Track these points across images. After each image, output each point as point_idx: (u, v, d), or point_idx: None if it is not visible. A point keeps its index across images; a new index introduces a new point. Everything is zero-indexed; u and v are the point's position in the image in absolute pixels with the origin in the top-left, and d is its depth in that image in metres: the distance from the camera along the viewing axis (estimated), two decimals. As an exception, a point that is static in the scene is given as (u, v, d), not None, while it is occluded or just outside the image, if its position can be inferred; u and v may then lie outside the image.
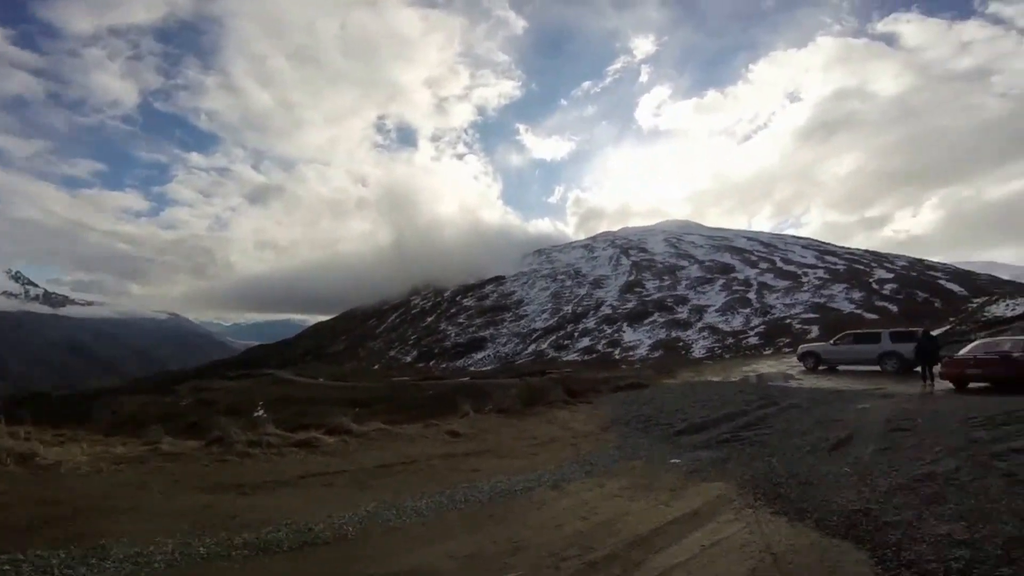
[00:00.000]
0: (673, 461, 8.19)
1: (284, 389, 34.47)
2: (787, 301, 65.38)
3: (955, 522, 4.55)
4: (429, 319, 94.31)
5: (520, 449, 9.58)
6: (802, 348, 23.69)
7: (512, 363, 62.60)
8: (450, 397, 16.20)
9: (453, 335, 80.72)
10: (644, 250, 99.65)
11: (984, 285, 64.30)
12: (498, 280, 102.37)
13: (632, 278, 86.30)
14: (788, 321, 58.80)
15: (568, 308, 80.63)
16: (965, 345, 16.25)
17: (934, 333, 20.26)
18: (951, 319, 46.48)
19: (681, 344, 60.32)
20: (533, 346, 70.34)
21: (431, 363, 70.73)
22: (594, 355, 61.76)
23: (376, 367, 70.28)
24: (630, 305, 75.04)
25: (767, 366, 25.42)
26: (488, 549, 5.05)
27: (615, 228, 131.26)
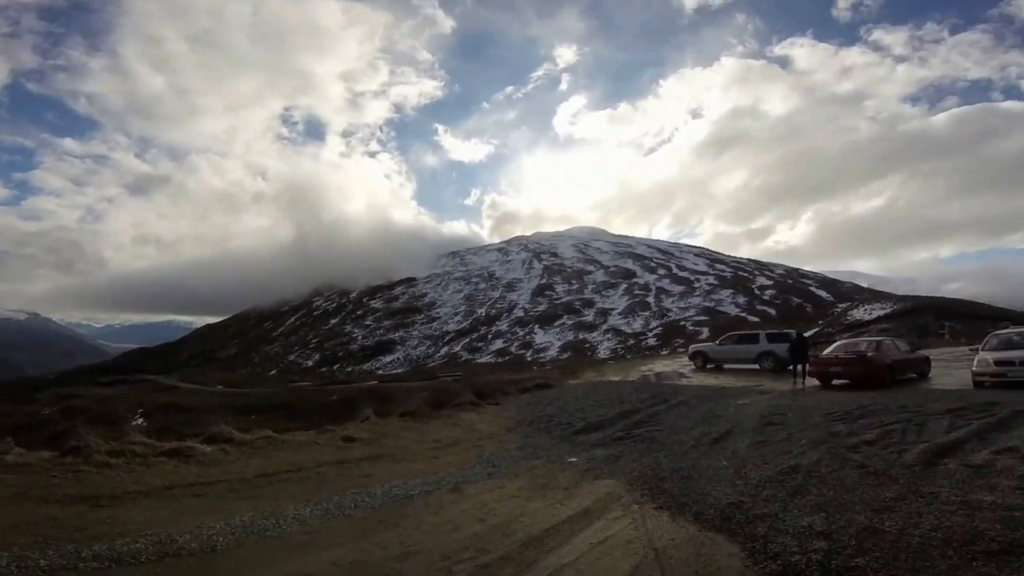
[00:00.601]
0: (570, 460, 8.43)
1: (168, 396, 31.69)
2: (682, 305, 69.71)
3: (816, 513, 4.92)
4: (333, 321, 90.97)
5: (421, 453, 9.47)
6: (692, 348, 25.26)
7: (424, 366, 61.80)
8: (354, 402, 15.73)
9: (360, 338, 78.41)
10: (555, 255, 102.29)
11: (847, 292, 72.03)
12: (409, 281, 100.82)
13: (544, 282, 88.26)
14: (682, 323, 62.66)
15: (482, 310, 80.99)
16: (830, 345, 18.01)
17: (805, 334, 22.25)
18: (820, 322, 51.64)
19: (588, 345, 62.51)
20: (446, 348, 69.91)
21: (335, 367, 68.24)
22: (507, 357, 62.45)
23: (273, 372, 66.62)
24: (541, 308, 76.68)
25: (662, 365, 26.83)
26: (375, 555, 4.89)
27: (529, 233, 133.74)
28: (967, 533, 3.96)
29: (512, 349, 65.66)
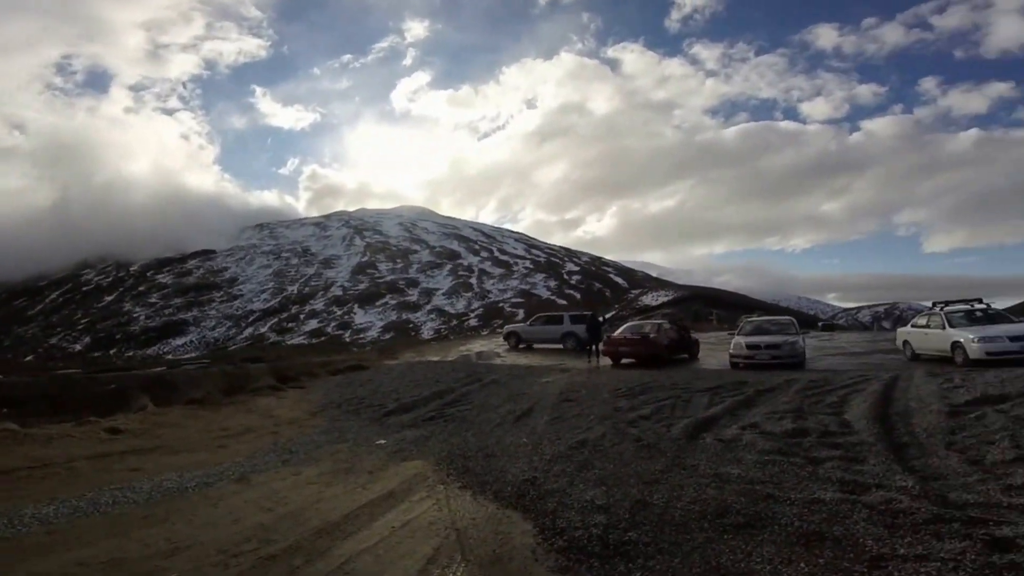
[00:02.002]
0: (379, 442, 8.17)
1: None
2: (501, 287, 72.91)
3: (597, 487, 5.10)
4: (108, 298, 77.39)
5: (205, 443, 8.44)
6: (507, 328, 26.36)
7: (223, 349, 55.67)
8: (131, 392, 13.47)
9: (143, 318, 67.81)
10: (380, 232, 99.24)
11: (640, 280, 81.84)
12: (206, 254, 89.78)
13: (366, 259, 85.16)
14: (501, 305, 65.57)
15: (293, 288, 75.39)
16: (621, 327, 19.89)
17: (603, 317, 24.35)
18: (616, 306, 58.06)
19: (412, 326, 62.05)
20: (250, 330, 63.77)
21: (112, 352, 58.23)
22: (323, 338, 59.14)
23: (29, 358, 54.73)
24: (362, 287, 73.97)
25: (480, 345, 27.60)
26: (136, 553, 4.30)
27: (352, 208, 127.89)
28: (719, 506, 4.48)
29: (329, 330, 62.49)
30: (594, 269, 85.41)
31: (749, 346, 13.97)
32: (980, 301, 13.82)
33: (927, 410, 6.93)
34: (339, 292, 73.44)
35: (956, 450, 5.47)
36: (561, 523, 4.42)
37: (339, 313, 66.98)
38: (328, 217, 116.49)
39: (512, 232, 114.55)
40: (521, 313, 58.10)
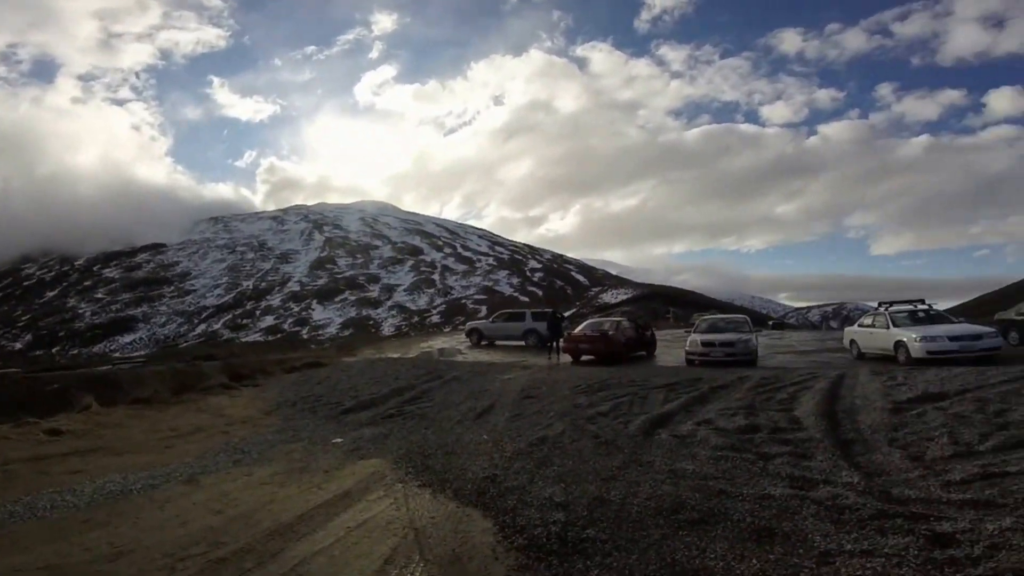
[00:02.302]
0: (335, 441, 7.99)
1: None
2: (464, 283, 72.68)
3: (556, 484, 5.11)
4: (51, 294, 73.42)
5: (151, 443, 8.10)
6: (469, 325, 26.30)
7: (174, 347, 53.56)
8: (73, 391, 12.78)
9: (88, 314, 64.58)
10: (339, 227, 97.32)
11: (601, 278, 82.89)
12: (156, 248, 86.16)
13: (325, 254, 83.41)
14: (464, 301, 65.32)
15: (249, 283, 73.20)
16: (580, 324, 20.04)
17: (564, 314, 24.55)
18: (577, 303, 58.68)
19: (372, 322, 61.10)
20: (203, 326, 61.55)
21: (55, 350, 55.23)
22: (279, 335, 57.62)
23: (-40, 354, 51.34)
24: (321, 282, 72.41)
25: (442, 342, 27.43)
26: (76, 558, 4.12)
27: (311, 202, 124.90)
28: (674, 502, 4.52)
29: (285, 326, 60.96)
30: (556, 267, 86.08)
31: (704, 343, 14.21)
32: (923, 302, 14.31)
33: (871, 407, 7.17)
34: (297, 288, 71.71)
35: (898, 446, 5.67)
36: (521, 521, 4.38)
37: (296, 309, 65.40)
38: (286, 211, 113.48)
39: (476, 228, 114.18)
40: (484, 310, 58.02)
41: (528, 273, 79.38)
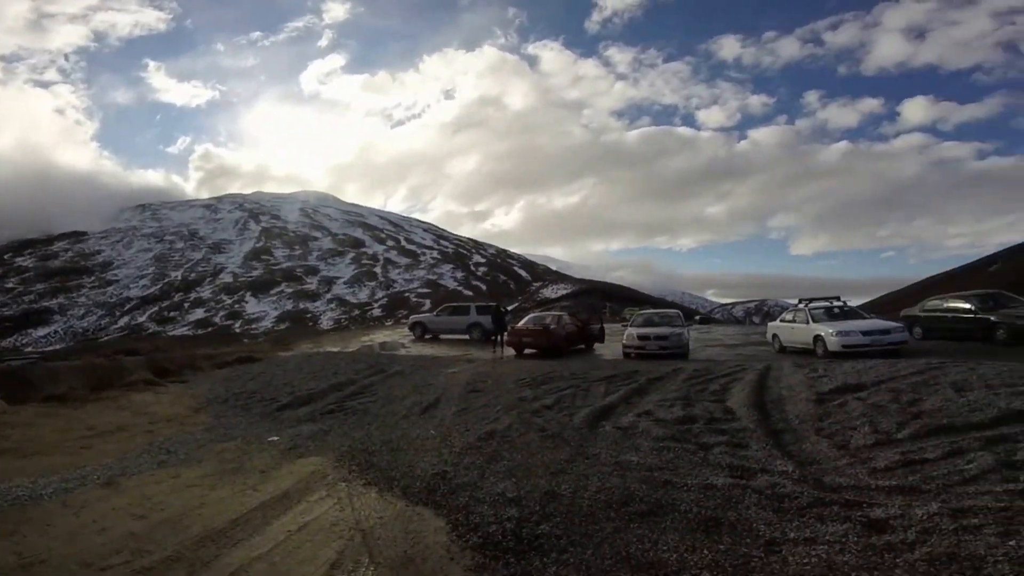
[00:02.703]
0: (272, 439, 7.52)
1: None
2: (407, 277, 71.37)
3: (508, 479, 4.97)
4: (-47, 280, 66.07)
5: (65, 444, 7.34)
6: (412, 319, 25.74)
7: (94, 340, 49.60)
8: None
9: (-3, 303, 58.66)
10: (277, 217, 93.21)
11: (542, 273, 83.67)
12: (76, 236, 79.49)
13: (261, 245, 79.67)
14: (407, 295, 64.13)
15: (177, 274, 68.88)
16: (523, 318, 19.98)
17: (507, 308, 24.44)
18: (520, 297, 58.95)
19: (309, 315, 58.88)
20: (126, 319, 57.34)
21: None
22: (209, 329, 54.52)
23: None
24: (256, 273, 69.09)
25: (384, 336, 26.75)
26: None
27: (248, 191, 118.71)
28: (623, 495, 4.49)
29: (216, 319, 57.76)
30: (500, 261, 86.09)
31: (640, 337, 14.44)
32: (839, 299, 15.02)
33: (797, 398, 7.41)
34: (229, 279, 68.06)
35: (825, 435, 5.88)
36: (475, 518, 4.22)
37: (229, 301, 62.07)
38: (220, 199, 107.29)
39: (421, 222, 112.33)
40: (427, 303, 57.22)
41: (472, 267, 78.97)
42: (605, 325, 21.60)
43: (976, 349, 12.14)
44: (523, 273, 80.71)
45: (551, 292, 60.98)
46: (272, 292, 65.03)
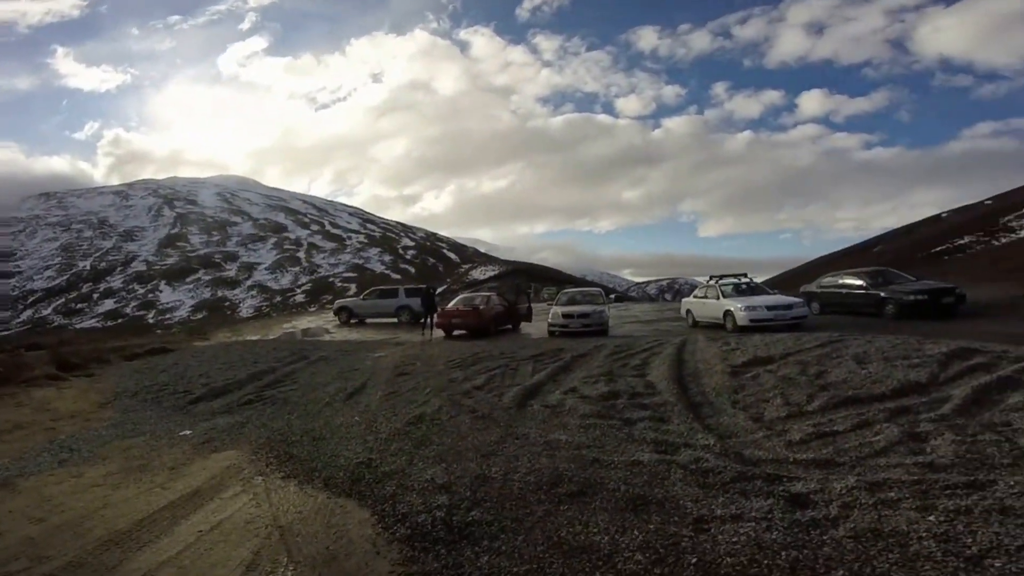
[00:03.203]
0: (183, 433, 6.82)
1: None
2: (332, 261, 68.41)
3: (437, 465, 4.73)
4: None
5: (-53, 449, 6.31)
6: (337, 303, 24.63)
7: (-18, 332, 43.86)
8: None
9: None
10: (194, 202, 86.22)
11: (471, 256, 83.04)
12: (-38, 222, 69.54)
13: (176, 231, 73.42)
14: (332, 280, 61.53)
15: (86, 264, 62.23)
16: (452, 300, 19.67)
17: (437, 290, 23.93)
18: (449, 279, 58.26)
19: (228, 303, 55.16)
20: (29, 312, 51.15)
21: None
22: (120, 320, 49.78)
23: None
24: (171, 261, 63.66)
25: (307, 322, 25.52)
26: None
27: (161, 176, 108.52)
28: (552, 475, 4.33)
29: (128, 311, 52.88)
30: (429, 244, 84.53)
31: (565, 315, 14.55)
32: (745, 275, 15.56)
33: (713, 371, 7.54)
34: (142, 267, 62.33)
35: (741, 408, 5.96)
36: (402, 508, 3.93)
37: (141, 291, 56.90)
38: (131, 186, 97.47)
39: (347, 206, 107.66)
40: (353, 288, 55.21)
41: (401, 251, 76.96)
42: (532, 304, 21.65)
43: (869, 323, 12.72)
44: (452, 256, 79.77)
45: (480, 274, 60.73)
46: (188, 280, 60.29)
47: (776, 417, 5.51)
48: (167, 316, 51.65)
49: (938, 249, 34.73)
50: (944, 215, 47.92)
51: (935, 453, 4.13)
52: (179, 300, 56.02)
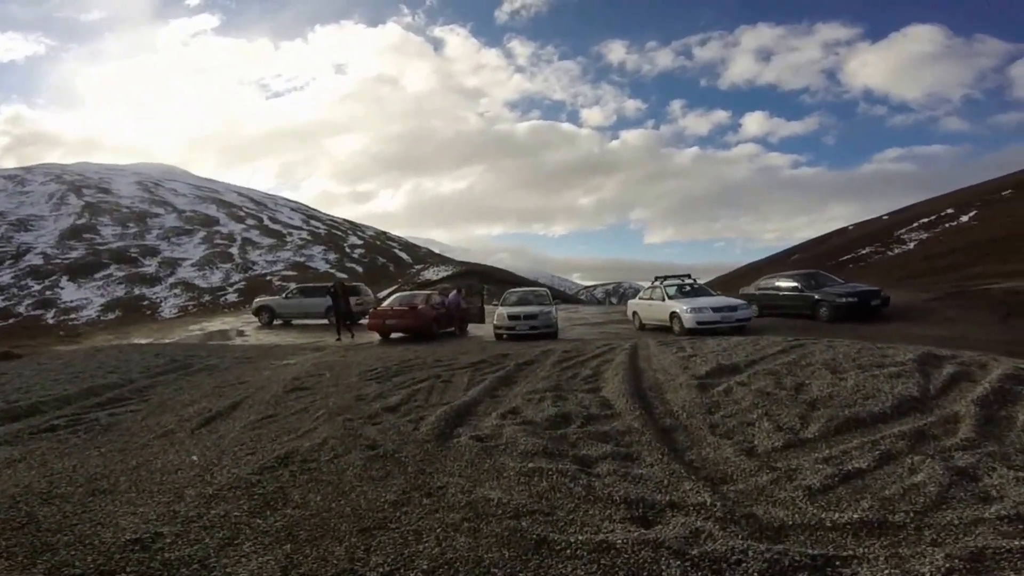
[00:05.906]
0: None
1: None
2: (270, 258, 64.58)
3: (272, 551, 2.90)
4: None
5: None
6: (256, 302, 22.37)
7: None
8: None
9: None
10: (107, 191, 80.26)
11: (424, 256, 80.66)
12: None
13: (83, 222, 67.90)
14: (269, 278, 57.96)
15: (-34, 255, 56.38)
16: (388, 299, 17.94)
17: (355, 286, 21.78)
18: (399, 280, 55.88)
19: (147, 303, 51.05)
20: None
21: None
22: (11, 320, 45.15)
23: None
24: (76, 255, 58.66)
25: (223, 323, 23.03)
26: None
27: (69, 160, 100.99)
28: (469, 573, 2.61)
29: (20, 309, 48.15)
30: (379, 243, 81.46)
31: (511, 317, 14.04)
32: (689, 276, 15.67)
33: (676, 384, 6.47)
34: (39, 261, 57.10)
35: (722, 434, 4.70)
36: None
37: (37, 288, 51.98)
38: (30, 170, 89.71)
39: (289, 201, 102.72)
40: (293, 287, 52.11)
41: (347, 249, 73.68)
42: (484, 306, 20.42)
43: (807, 325, 13.17)
44: (404, 256, 77.17)
45: (432, 274, 58.53)
46: (98, 276, 55.60)
47: (772, 448, 4.28)
48: (72, 316, 47.29)
49: (844, 258, 38.05)
50: (850, 227, 52.29)
51: (1007, 499, 3.12)
52: (86, 298, 51.43)
